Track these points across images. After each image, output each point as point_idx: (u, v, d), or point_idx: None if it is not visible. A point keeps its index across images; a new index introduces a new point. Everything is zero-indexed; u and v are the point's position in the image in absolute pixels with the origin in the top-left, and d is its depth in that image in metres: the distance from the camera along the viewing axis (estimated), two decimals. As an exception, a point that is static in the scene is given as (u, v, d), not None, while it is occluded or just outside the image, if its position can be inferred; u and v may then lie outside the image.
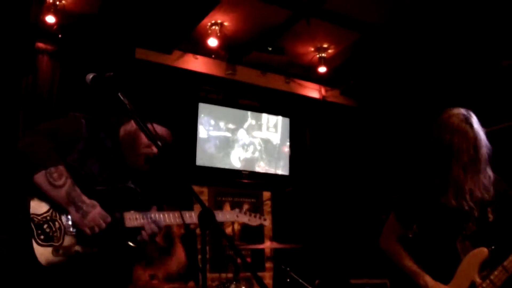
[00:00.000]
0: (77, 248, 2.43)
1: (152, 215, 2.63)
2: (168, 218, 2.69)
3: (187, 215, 2.70)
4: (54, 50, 6.05)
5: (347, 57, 7.22)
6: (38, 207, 2.41)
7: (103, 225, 2.45)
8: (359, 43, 6.82)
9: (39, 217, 2.38)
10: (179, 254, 5.15)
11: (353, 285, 6.15)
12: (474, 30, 6.01)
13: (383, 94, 7.76)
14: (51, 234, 2.39)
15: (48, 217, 2.41)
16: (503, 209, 2.85)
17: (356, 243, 7.23)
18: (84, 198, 2.44)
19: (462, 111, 2.94)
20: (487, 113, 3.20)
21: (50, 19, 5.65)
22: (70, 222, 2.45)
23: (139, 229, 2.61)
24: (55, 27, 5.76)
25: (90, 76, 2.47)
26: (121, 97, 2.41)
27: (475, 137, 2.84)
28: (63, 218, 2.44)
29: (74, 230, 2.45)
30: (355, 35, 6.65)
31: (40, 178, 2.38)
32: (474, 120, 2.91)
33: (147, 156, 2.68)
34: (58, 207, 2.44)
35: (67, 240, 2.43)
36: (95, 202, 2.46)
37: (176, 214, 2.69)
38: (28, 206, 2.38)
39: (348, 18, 6.25)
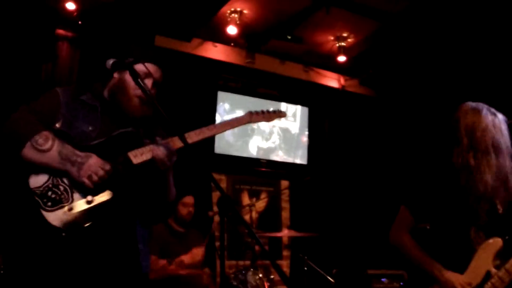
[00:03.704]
0: (89, 198, 2.33)
1: (158, 141, 2.48)
2: (176, 140, 2.51)
3: (194, 132, 2.57)
4: (74, 37, 6.09)
5: (367, 46, 7.16)
6: (37, 180, 2.33)
7: (101, 171, 2.32)
8: (379, 32, 6.75)
9: (40, 189, 2.31)
10: (195, 250, 5.11)
11: (370, 275, 6.14)
12: (494, 19, 5.91)
13: (402, 84, 7.70)
14: (57, 198, 2.31)
15: (50, 185, 2.33)
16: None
17: (374, 233, 7.20)
18: (78, 152, 2.34)
19: (484, 107, 2.91)
20: (507, 104, 3.16)
21: (70, 5, 5.68)
22: (73, 182, 2.35)
23: (150, 164, 2.45)
24: (75, 13, 5.79)
25: (110, 61, 2.51)
26: (141, 83, 2.41)
27: (496, 131, 2.83)
28: (65, 180, 2.35)
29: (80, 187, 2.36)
30: (375, 24, 6.58)
31: (27, 150, 2.32)
32: (498, 116, 2.89)
33: (140, 97, 2.51)
34: (56, 173, 2.35)
35: (77, 197, 2.34)
36: (90, 153, 2.35)
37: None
38: (27, 185, 2.31)
39: (368, 7, 6.19)
